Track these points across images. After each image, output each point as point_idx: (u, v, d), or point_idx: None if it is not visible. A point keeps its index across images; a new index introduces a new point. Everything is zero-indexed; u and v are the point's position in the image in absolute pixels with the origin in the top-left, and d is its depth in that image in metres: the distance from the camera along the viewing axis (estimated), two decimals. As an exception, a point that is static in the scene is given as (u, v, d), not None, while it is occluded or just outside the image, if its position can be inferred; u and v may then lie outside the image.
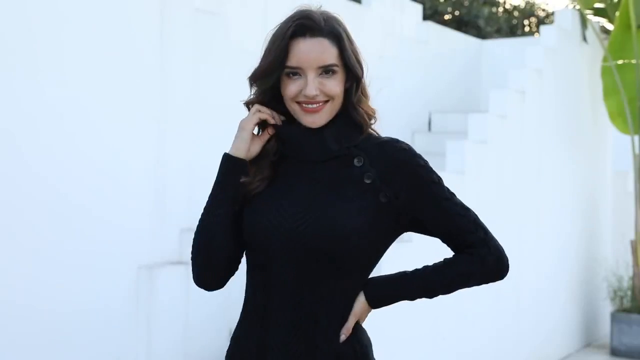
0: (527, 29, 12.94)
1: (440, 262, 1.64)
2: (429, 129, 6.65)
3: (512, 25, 12.61)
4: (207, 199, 1.65)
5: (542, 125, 5.60)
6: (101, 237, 3.75)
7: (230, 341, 1.70)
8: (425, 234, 1.65)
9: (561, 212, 5.98)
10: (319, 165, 1.61)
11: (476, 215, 1.63)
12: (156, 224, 4.03)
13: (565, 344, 6.03)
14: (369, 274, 1.64)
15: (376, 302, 1.61)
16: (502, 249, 1.63)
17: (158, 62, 4.06)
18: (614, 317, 6.00)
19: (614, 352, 5.98)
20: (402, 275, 1.64)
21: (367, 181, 1.58)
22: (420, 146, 6.08)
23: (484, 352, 4.70)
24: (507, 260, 1.63)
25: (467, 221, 1.60)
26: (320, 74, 1.55)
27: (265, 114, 1.61)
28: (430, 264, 1.65)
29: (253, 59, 1.66)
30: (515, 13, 12.64)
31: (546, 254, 5.69)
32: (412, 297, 1.64)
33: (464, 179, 4.54)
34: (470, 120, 4.88)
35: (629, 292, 6.10)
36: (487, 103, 5.25)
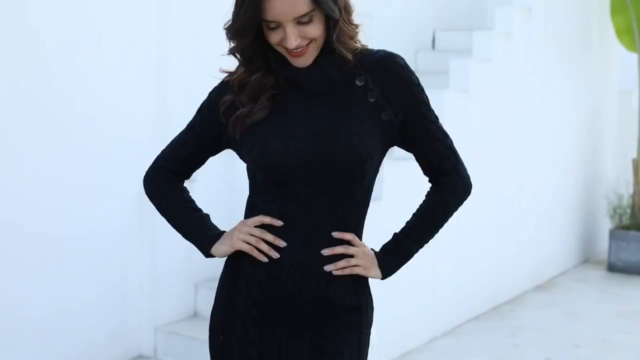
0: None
1: (417, 211, 1.70)
2: (433, 47, 6.51)
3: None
4: (165, 209, 1.76)
5: (547, 43, 5.49)
6: (105, 159, 3.74)
7: (229, 261, 1.68)
8: (406, 150, 1.68)
9: (564, 130, 5.94)
10: (323, 95, 1.58)
11: (451, 141, 1.68)
12: (158, 147, 4.00)
13: (564, 260, 6.10)
14: (371, 193, 1.65)
15: (385, 275, 1.65)
16: (467, 172, 1.71)
17: (157, -22, 3.94)
18: (612, 234, 6.04)
19: (611, 267, 6.06)
20: (396, 242, 1.67)
21: (371, 100, 1.57)
22: (423, 65, 5.98)
23: (484, 272, 4.76)
24: (471, 183, 1.71)
25: (444, 147, 1.65)
26: (298, 23, 1.50)
27: (252, 245, 1.59)
28: (405, 220, 1.69)
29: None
30: None
31: (548, 172, 5.68)
32: (411, 257, 1.69)
33: (468, 98, 4.49)
34: (475, 38, 4.79)
35: (628, 210, 6.13)
36: (492, 20, 5.13)
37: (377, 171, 1.64)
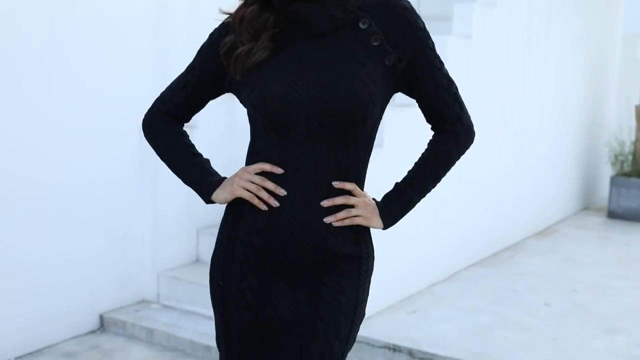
0: None
1: (419, 160, 1.68)
2: None
3: None
4: (164, 154, 1.73)
5: None
6: (104, 104, 3.71)
7: (228, 207, 1.68)
8: (409, 96, 1.65)
9: (567, 76, 5.88)
10: (326, 36, 1.54)
11: (456, 89, 1.65)
12: (159, 90, 3.96)
13: (564, 207, 6.12)
14: (374, 141, 1.62)
15: (386, 225, 1.65)
16: (471, 120, 1.68)
17: None
18: (613, 180, 6.04)
19: (611, 214, 6.08)
20: (398, 191, 1.66)
21: (375, 43, 1.54)
22: (426, 9, 5.86)
23: (484, 219, 4.77)
24: (474, 130, 1.69)
25: (448, 94, 1.62)
26: None
27: (252, 193, 1.58)
28: (408, 168, 1.68)
29: None
30: None
31: (549, 119, 5.65)
32: (413, 207, 1.69)
33: (471, 44, 4.43)
34: None
35: (630, 157, 6.12)
36: None
37: (380, 118, 1.61)
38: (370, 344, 3.29)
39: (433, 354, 3.17)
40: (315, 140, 1.53)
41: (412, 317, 3.63)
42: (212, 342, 3.44)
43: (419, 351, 3.20)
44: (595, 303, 3.96)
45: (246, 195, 1.58)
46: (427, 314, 3.68)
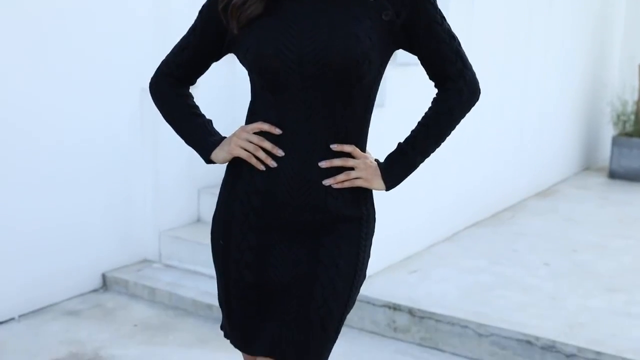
0: None
1: (422, 120, 1.65)
2: None
3: None
4: (168, 115, 1.72)
5: None
6: (104, 61, 3.68)
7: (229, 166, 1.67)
8: (410, 52, 1.62)
9: (571, 34, 5.82)
10: None
11: (459, 44, 1.62)
12: (159, 48, 3.93)
13: (565, 167, 6.11)
14: (374, 100, 1.60)
15: (389, 187, 1.63)
16: (476, 77, 1.65)
17: None
18: (615, 140, 6.03)
19: (612, 174, 6.08)
20: (400, 152, 1.64)
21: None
22: None
23: (484, 179, 4.77)
24: (479, 87, 1.66)
25: (450, 50, 1.59)
26: None
27: (250, 153, 1.57)
28: (411, 128, 1.66)
29: None
30: None
31: (552, 77, 5.61)
32: (415, 168, 1.66)
33: (473, 2, 4.37)
34: None
35: (632, 117, 6.09)
36: None
37: (379, 76, 1.59)
38: (370, 303, 3.32)
39: (433, 313, 3.20)
40: (311, 100, 1.51)
41: (413, 276, 3.66)
42: (214, 301, 3.47)
43: (419, 310, 3.23)
44: (595, 262, 3.98)
45: (243, 154, 1.58)
46: (427, 274, 3.70)
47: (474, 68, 1.65)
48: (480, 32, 4.45)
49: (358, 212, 1.60)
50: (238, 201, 1.61)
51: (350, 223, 1.58)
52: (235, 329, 1.65)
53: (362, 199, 1.61)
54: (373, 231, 1.65)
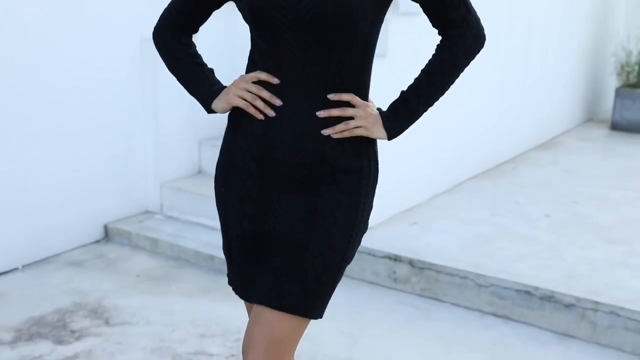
0: None
1: (425, 67, 1.62)
2: None
3: None
4: (171, 65, 1.72)
5: None
6: (103, 11, 3.64)
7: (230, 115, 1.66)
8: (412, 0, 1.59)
9: (576, -16, 5.74)
10: None
11: None
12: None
13: (567, 119, 6.09)
14: (373, 50, 1.58)
15: (391, 136, 1.61)
16: (480, 23, 1.62)
17: None
18: (618, 92, 5.99)
19: (614, 126, 6.06)
20: (402, 100, 1.61)
21: None
22: None
23: (486, 130, 4.76)
24: (484, 33, 1.63)
25: None
26: None
27: (248, 102, 1.57)
28: (414, 77, 1.63)
29: None
30: None
31: (556, 27, 5.54)
32: (419, 116, 1.64)
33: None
34: None
35: (637, 68, 6.04)
36: None
37: (377, 26, 1.56)
38: (371, 254, 3.35)
39: (433, 264, 3.22)
40: (306, 49, 1.49)
41: (414, 228, 3.67)
42: (215, 252, 3.50)
43: (419, 261, 3.25)
44: (595, 214, 4.00)
45: (241, 103, 1.57)
46: (428, 225, 3.72)
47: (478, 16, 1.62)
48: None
49: (359, 164, 1.58)
50: (239, 150, 1.60)
51: (350, 175, 1.57)
52: (235, 276, 1.67)
53: (363, 150, 1.59)
54: (375, 183, 1.63)
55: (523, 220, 3.85)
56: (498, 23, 4.61)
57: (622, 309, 2.83)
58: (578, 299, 2.92)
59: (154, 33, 1.74)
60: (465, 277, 3.15)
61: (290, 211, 1.57)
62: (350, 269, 3.23)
